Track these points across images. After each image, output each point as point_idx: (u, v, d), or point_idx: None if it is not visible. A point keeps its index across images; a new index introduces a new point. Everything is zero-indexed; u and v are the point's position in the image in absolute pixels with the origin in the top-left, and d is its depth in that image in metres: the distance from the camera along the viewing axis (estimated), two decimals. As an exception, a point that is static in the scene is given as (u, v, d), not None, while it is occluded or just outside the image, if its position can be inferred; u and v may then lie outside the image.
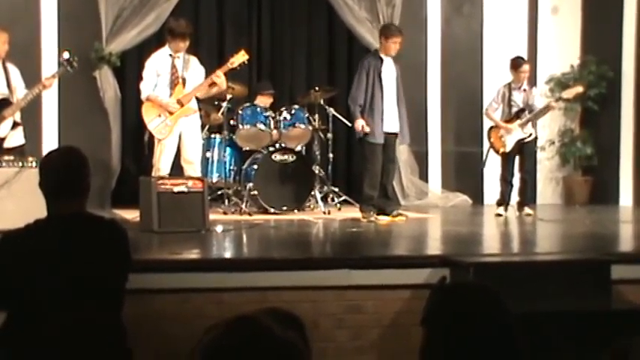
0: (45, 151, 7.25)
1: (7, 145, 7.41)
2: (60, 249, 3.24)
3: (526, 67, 9.07)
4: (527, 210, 9.03)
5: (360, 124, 8.24)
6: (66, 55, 7.71)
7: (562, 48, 11.16)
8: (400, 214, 8.44)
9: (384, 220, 8.23)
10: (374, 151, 8.29)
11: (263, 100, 9.65)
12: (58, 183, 3.34)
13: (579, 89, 9.47)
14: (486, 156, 9.31)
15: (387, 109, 8.32)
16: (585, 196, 10.96)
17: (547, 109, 9.12)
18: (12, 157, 6.91)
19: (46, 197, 3.37)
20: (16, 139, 7.51)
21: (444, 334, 2.21)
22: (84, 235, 3.33)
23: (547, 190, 11.22)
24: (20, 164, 6.78)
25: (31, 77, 8.02)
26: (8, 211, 6.31)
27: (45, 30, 9.56)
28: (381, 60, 8.36)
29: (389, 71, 8.39)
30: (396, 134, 8.43)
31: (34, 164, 6.66)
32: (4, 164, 6.78)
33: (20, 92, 7.55)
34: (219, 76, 8.03)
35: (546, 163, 11.20)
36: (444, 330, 2.22)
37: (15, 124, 7.49)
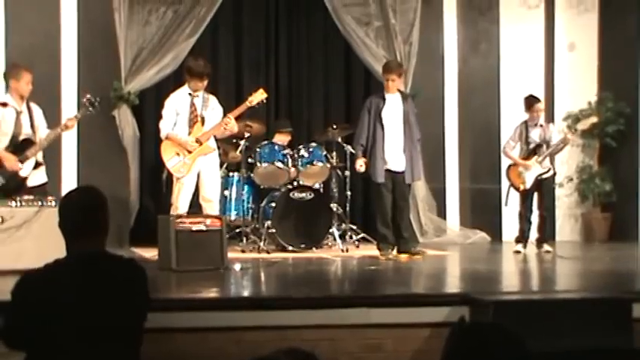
0: (64, 190, 7.30)
1: (29, 184, 7.45)
2: (79, 289, 3.25)
3: (540, 106, 9.06)
4: (546, 247, 8.98)
5: (358, 164, 8.32)
6: (88, 96, 7.78)
7: (579, 84, 11.14)
8: (418, 252, 8.41)
9: (402, 257, 8.21)
10: (380, 190, 8.30)
11: (281, 138, 9.69)
12: (77, 223, 3.36)
13: (594, 119, 9.50)
14: (507, 194, 9.25)
15: (391, 148, 8.28)
16: (605, 233, 10.87)
17: (564, 142, 9.08)
18: (32, 197, 6.94)
19: (65, 237, 3.39)
20: (38, 178, 7.55)
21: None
22: (103, 275, 3.34)
23: (566, 227, 11.15)
24: (40, 204, 6.81)
25: (51, 116, 8.07)
26: (28, 251, 6.35)
27: (64, 69, 9.67)
28: (383, 99, 8.37)
29: (392, 109, 8.33)
30: (403, 172, 8.35)
31: (53, 204, 6.68)
32: (23, 204, 6.81)
33: (43, 132, 7.60)
34: (230, 121, 8.03)
35: (565, 199, 11.14)
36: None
37: (37, 164, 7.54)
